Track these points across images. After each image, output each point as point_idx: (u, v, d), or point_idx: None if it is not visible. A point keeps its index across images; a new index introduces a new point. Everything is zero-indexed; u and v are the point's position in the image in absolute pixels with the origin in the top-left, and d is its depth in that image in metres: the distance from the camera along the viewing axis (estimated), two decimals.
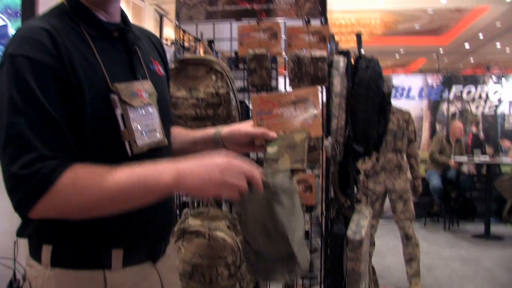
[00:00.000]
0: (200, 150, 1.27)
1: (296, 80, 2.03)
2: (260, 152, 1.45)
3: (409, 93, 7.24)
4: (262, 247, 1.13)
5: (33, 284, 1.03)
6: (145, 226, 1.06)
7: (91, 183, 0.92)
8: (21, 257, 1.14)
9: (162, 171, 0.96)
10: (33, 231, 1.03)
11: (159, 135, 1.11)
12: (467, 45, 10.15)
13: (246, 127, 1.26)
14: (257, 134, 1.22)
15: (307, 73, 2.01)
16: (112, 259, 1.04)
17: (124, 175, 0.93)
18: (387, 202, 4.33)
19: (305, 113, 1.22)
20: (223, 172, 0.96)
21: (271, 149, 1.18)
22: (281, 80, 3.43)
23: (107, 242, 1.03)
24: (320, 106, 1.23)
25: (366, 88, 2.04)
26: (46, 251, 1.02)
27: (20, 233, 1.07)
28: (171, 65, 1.81)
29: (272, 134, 1.20)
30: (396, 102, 4.40)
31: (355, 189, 2.19)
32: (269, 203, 1.05)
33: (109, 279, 1.03)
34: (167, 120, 1.21)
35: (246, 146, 1.27)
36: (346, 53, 2.13)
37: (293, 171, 1.14)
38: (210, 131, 1.31)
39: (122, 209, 0.96)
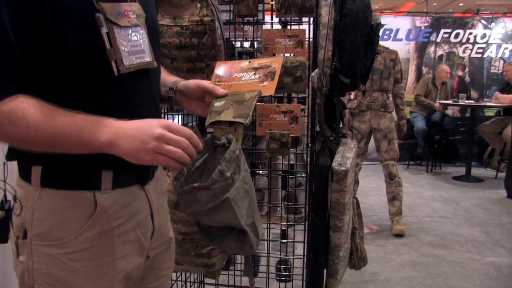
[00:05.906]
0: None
1: (283, 10, 1.98)
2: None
3: (396, 35, 7.15)
4: (211, 222, 1.13)
5: (23, 204, 1.04)
6: None
7: (28, 119, 0.91)
8: (10, 180, 1.13)
9: (101, 129, 0.95)
10: (22, 154, 1.03)
11: (147, 56, 1.09)
12: None
13: (200, 81, 1.26)
14: (208, 87, 1.22)
15: (294, 3, 1.96)
16: (101, 180, 1.05)
17: (64, 121, 0.94)
18: (371, 143, 4.37)
19: (263, 77, 1.22)
20: (159, 139, 0.95)
21: (218, 103, 1.18)
22: (267, 17, 3.35)
23: (97, 163, 1.03)
24: (279, 70, 1.23)
25: (354, 19, 2.00)
26: (36, 172, 1.02)
27: (9, 156, 1.07)
28: None
29: (222, 90, 1.21)
30: (383, 44, 4.35)
31: (341, 123, 2.19)
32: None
33: (99, 200, 1.04)
34: (156, 43, 1.20)
35: (196, 101, 1.27)
36: None
37: (235, 127, 1.13)
38: (173, 77, 1.31)
39: (55, 151, 0.97)
